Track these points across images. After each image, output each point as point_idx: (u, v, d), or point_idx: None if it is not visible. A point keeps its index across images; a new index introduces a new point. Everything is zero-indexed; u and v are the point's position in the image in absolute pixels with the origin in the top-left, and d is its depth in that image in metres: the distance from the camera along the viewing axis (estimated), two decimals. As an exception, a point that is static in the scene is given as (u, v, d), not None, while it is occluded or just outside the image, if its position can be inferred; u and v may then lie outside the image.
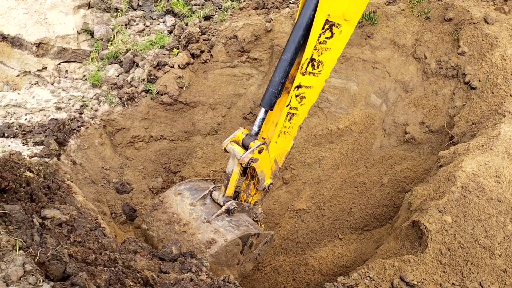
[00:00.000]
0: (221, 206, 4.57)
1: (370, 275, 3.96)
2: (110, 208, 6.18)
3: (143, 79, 6.84)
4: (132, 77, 6.90)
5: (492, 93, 5.13)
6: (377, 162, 6.33)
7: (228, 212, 4.55)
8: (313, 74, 4.09)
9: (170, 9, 7.61)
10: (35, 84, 6.83)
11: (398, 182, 5.90)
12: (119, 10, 7.48)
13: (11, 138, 5.67)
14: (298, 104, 4.27)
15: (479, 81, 5.32)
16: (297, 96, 4.18)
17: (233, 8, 7.51)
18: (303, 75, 4.03)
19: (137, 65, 7.03)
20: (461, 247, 3.87)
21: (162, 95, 6.82)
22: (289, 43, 3.89)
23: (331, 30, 3.83)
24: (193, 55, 7.06)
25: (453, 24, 5.83)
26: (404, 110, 6.18)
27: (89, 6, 7.45)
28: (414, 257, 3.92)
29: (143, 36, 7.40)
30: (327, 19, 3.70)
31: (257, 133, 4.43)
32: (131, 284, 2.90)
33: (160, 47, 7.24)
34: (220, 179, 7.28)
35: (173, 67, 6.92)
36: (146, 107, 6.84)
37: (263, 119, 4.36)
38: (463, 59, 5.58)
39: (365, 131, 6.69)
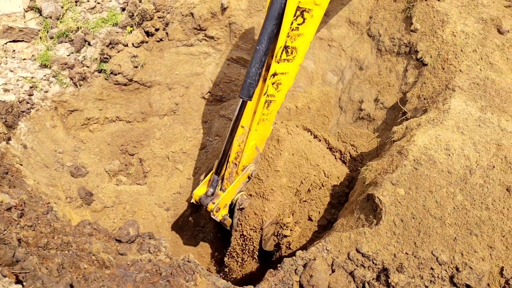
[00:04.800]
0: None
1: (327, 248, 4.05)
2: (65, 192, 6.01)
3: (96, 58, 6.61)
4: (84, 56, 6.65)
5: (443, 69, 5.28)
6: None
7: None
8: (288, 60, 4.15)
9: (122, -15, 7.34)
10: (-21, 65, 6.46)
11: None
12: (68, -14, 7.14)
13: (-46, 121, 5.37)
14: (275, 91, 4.35)
15: (431, 57, 5.46)
16: (273, 83, 4.24)
17: (188, -15, 7.32)
18: (278, 62, 4.10)
19: (89, 44, 6.77)
20: (413, 218, 4.02)
21: (116, 75, 6.62)
22: (262, 34, 3.88)
23: (302, 16, 3.86)
24: (147, 33, 6.87)
25: (406, 1, 5.93)
26: (359, 88, 6.28)
27: (35, -18, 7.08)
28: (369, 229, 4.04)
29: (94, 13, 7.12)
30: (298, 6, 3.73)
31: (212, 194, 4.79)
32: (86, 266, 2.84)
33: (113, 25, 6.99)
34: (180, 160, 7.21)
35: (127, 45, 6.72)
36: (99, 87, 6.63)
37: (217, 180, 4.69)
38: (415, 36, 5.70)
39: (322, 108, 6.77)
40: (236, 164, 4.92)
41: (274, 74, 4.18)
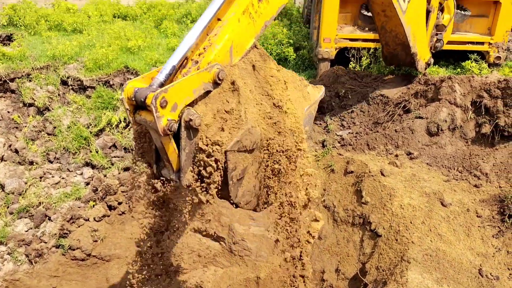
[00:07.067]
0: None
1: None
2: None
3: (55, 234, 6.54)
4: (43, 232, 6.58)
5: (396, 240, 5.53)
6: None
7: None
8: None
9: (89, 161, 7.64)
10: None
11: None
12: (34, 163, 7.38)
13: None
14: None
15: (383, 228, 5.75)
16: None
17: (152, 160, 7.72)
18: None
19: (49, 219, 6.76)
20: None
21: (74, 250, 6.49)
22: None
23: None
24: (110, 207, 6.97)
25: (355, 176, 6.45)
26: (320, 257, 6.38)
27: (2, 159, 7.29)
28: None
29: (58, 188, 7.25)
30: None
31: (162, 84, 2.98)
32: None
33: (76, 199, 7.09)
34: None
35: (88, 220, 6.74)
36: (55, 263, 6.42)
37: (174, 68, 3.03)
38: (367, 208, 6.07)
39: (286, 279, 6.71)
40: (197, 61, 3.27)
41: None
